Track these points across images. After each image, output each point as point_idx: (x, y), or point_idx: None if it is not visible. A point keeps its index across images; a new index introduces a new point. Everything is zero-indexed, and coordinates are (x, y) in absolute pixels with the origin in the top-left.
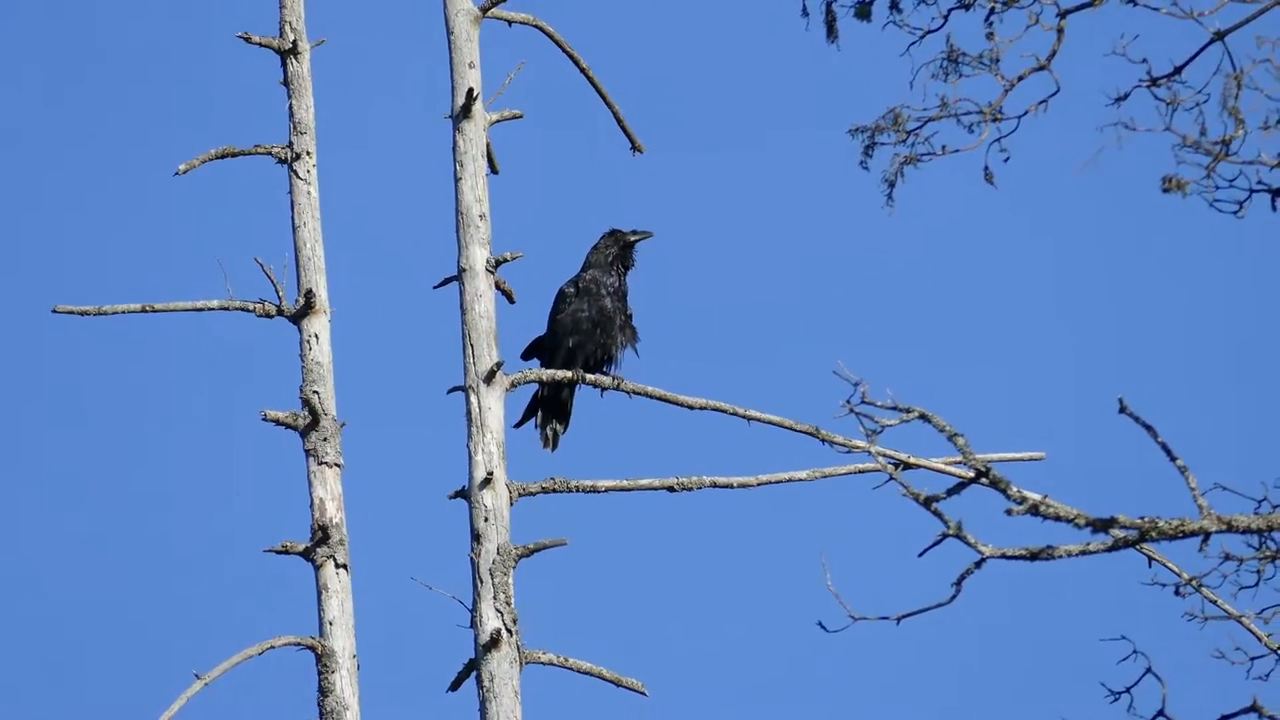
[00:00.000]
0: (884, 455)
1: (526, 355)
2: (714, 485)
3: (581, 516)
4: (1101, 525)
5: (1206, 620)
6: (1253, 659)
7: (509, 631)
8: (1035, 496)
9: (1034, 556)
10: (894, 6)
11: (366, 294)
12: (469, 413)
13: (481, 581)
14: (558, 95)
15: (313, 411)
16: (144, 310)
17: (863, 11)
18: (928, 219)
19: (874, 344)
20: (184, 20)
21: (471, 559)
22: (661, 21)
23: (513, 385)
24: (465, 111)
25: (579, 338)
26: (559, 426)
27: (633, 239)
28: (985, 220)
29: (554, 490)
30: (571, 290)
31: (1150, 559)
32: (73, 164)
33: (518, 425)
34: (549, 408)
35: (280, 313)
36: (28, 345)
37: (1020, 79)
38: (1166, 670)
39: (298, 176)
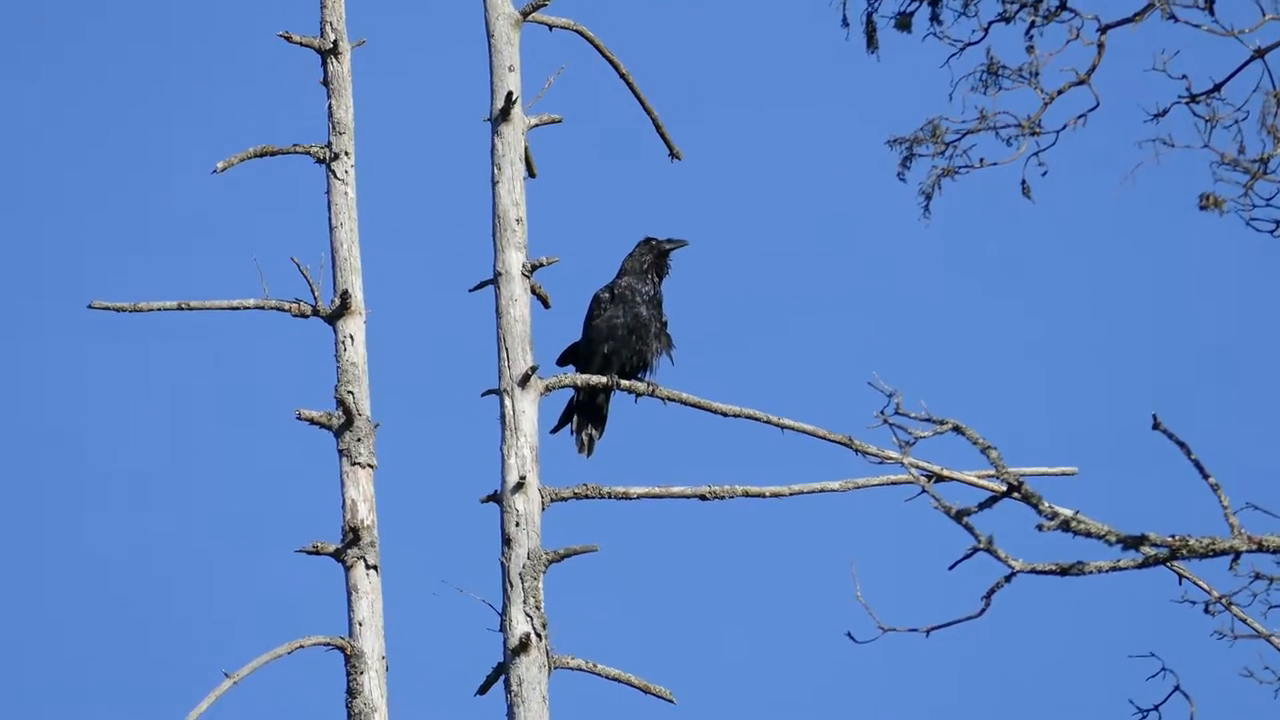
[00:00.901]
0: (917, 467)
1: (562, 362)
2: (746, 494)
3: (613, 523)
4: (1132, 542)
5: (1236, 639)
6: None
7: (538, 636)
8: (1066, 512)
9: (1064, 572)
10: (935, 18)
11: (402, 295)
12: (503, 416)
13: (512, 585)
14: (597, 100)
15: (347, 412)
16: (180, 308)
17: (903, 23)
18: (964, 231)
19: (909, 355)
20: (225, 18)
21: (502, 563)
22: (702, 29)
23: (547, 389)
24: (504, 115)
25: (614, 344)
26: (595, 432)
27: (668, 247)
28: (1022, 233)
29: (586, 496)
30: (607, 296)
31: (1180, 576)
32: (112, 161)
33: (554, 431)
34: (585, 413)
35: (316, 313)
36: (64, 341)
37: (1060, 93)
38: (1195, 688)
39: (336, 176)
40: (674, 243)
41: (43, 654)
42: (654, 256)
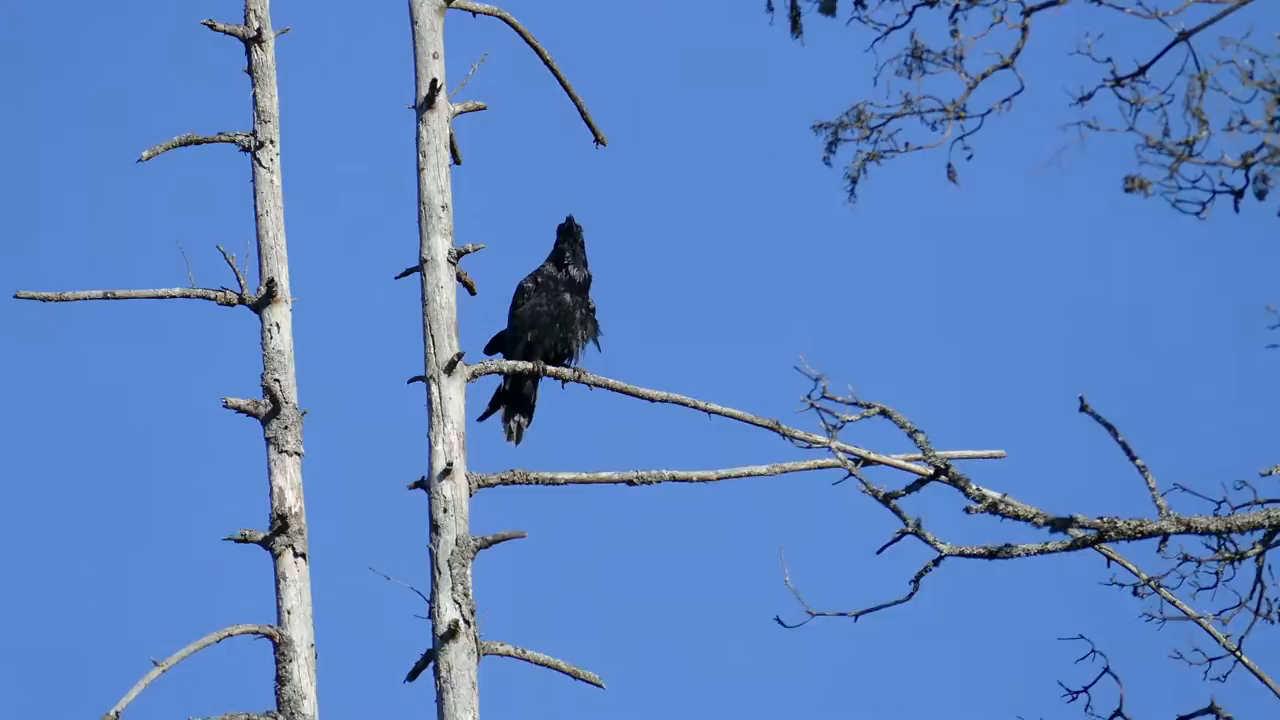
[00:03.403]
0: (844, 451)
1: (489, 350)
2: (674, 479)
3: (541, 508)
4: (1060, 524)
5: (1165, 621)
6: (1210, 660)
7: (467, 623)
8: (994, 494)
9: (992, 555)
10: (859, 2)
11: (328, 283)
12: (429, 403)
13: (440, 572)
14: (521, 87)
15: (274, 399)
16: (105, 297)
17: (827, 7)
18: (890, 216)
19: (836, 339)
20: (148, 7)
21: (430, 550)
22: (624, 13)
23: (473, 376)
24: (429, 102)
25: (537, 332)
26: (523, 420)
27: (566, 224)
28: (947, 218)
29: (513, 482)
30: (530, 285)
31: (1109, 559)
32: (36, 150)
33: (481, 419)
34: (512, 401)
35: (242, 301)
36: None
37: (984, 77)
38: (1124, 670)
39: (261, 165)
40: (569, 221)
41: None
42: (564, 239)
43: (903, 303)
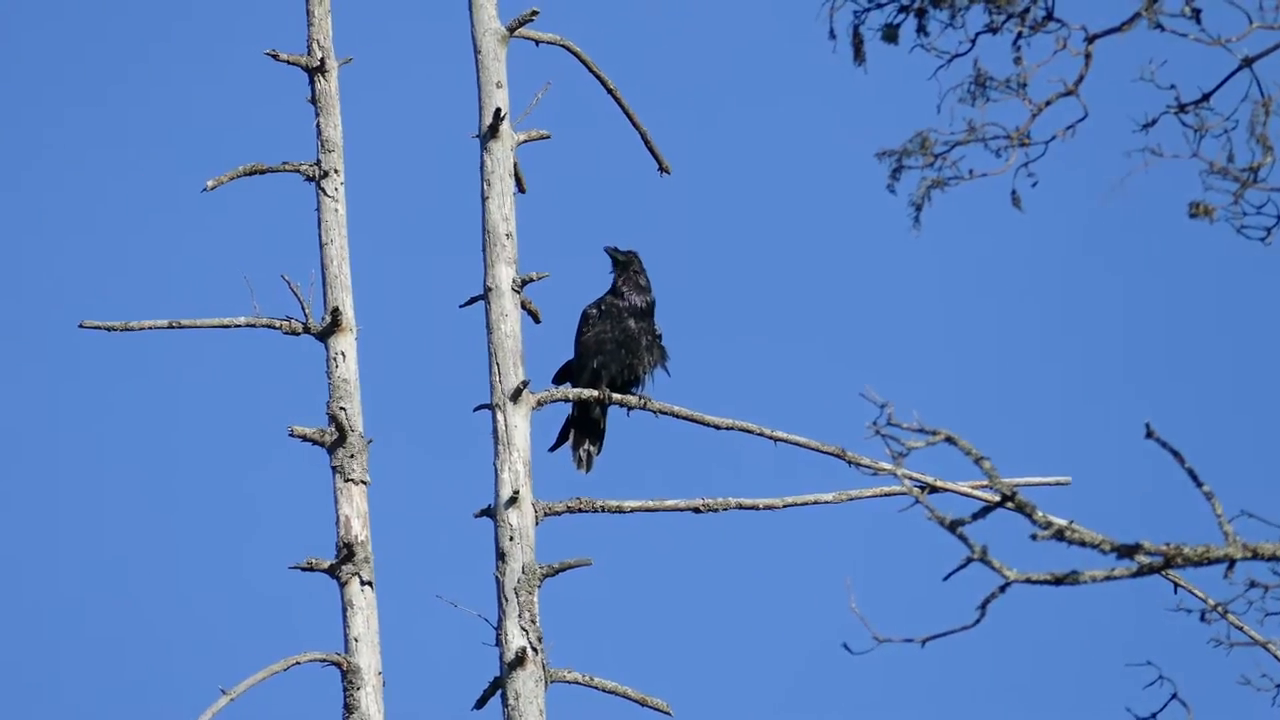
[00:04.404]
0: (910, 478)
1: (557, 380)
2: (740, 506)
3: (607, 536)
4: (1126, 551)
5: (1232, 647)
6: (1278, 685)
7: (534, 650)
8: (1061, 521)
9: (1059, 581)
10: (921, 30)
11: (393, 312)
12: (495, 431)
13: (507, 600)
14: (585, 115)
15: (339, 428)
16: (171, 326)
17: (890, 34)
18: (955, 243)
19: (902, 366)
20: (213, 37)
21: (496, 577)
22: (689, 42)
23: (539, 404)
24: (493, 131)
25: (604, 358)
26: (593, 448)
27: (620, 257)
28: (1012, 245)
29: (579, 510)
30: (595, 312)
31: (1176, 585)
32: (102, 179)
33: (552, 449)
34: (582, 428)
35: (307, 330)
36: (56, 360)
37: (1048, 104)
38: (1192, 696)
39: (325, 194)
40: (621, 253)
41: (38, 675)
42: (621, 268)
43: (968, 329)
